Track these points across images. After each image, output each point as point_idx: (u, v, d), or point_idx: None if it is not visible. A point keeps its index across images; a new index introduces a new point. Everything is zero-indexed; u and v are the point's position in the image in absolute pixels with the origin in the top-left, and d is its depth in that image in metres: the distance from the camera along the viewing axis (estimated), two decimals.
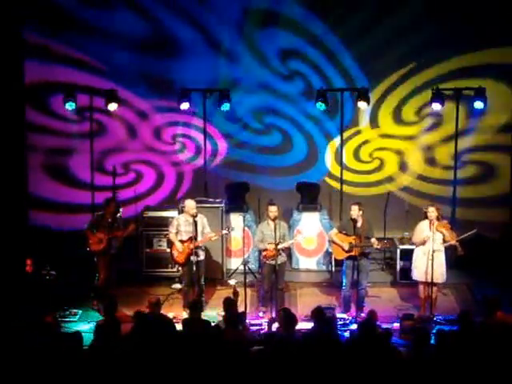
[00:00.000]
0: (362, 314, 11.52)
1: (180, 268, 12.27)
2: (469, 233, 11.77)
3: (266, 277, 11.87)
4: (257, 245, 12.12)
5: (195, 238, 11.71)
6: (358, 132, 14.88)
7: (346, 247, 11.73)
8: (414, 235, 11.82)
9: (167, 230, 12.34)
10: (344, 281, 11.88)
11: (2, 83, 13.77)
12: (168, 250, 12.58)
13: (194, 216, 11.77)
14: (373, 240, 11.69)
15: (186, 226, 11.86)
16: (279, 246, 11.62)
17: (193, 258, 11.75)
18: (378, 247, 11.82)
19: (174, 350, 8.88)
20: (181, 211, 12.46)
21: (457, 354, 8.57)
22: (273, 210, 11.77)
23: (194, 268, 11.76)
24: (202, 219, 11.94)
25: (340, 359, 8.63)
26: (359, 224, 11.70)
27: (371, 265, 13.67)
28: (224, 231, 12.47)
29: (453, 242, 11.51)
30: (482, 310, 9.80)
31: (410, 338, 9.12)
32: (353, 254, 11.67)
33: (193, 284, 11.89)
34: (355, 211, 11.67)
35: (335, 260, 13.03)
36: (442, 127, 14.62)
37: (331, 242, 12.19)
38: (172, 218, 12.57)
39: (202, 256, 11.99)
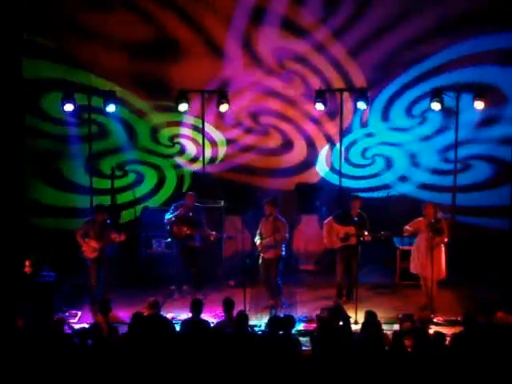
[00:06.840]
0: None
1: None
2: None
3: (260, 269, 12.12)
4: (255, 239, 12.30)
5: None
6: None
7: (342, 235, 12.04)
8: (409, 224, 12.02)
9: (166, 232, 12.63)
10: (337, 270, 12.28)
11: (1, 87, 13.79)
12: (167, 251, 12.82)
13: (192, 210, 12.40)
14: (366, 233, 11.94)
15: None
16: (258, 242, 12.01)
17: (190, 243, 12.45)
18: (369, 239, 11.99)
19: (173, 350, 8.87)
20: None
21: (462, 355, 8.57)
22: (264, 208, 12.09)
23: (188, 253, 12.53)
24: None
25: (345, 360, 8.65)
26: (355, 216, 12.07)
27: (372, 265, 13.76)
28: (224, 235, 12.79)
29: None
30: (483, 311, 9.77)
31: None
32: (349, 243, 12.01)
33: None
34: (355, 207, 12.10)
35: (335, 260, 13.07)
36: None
37: (326, 229, 12.33)
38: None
39: (197, 243, 12.50)
